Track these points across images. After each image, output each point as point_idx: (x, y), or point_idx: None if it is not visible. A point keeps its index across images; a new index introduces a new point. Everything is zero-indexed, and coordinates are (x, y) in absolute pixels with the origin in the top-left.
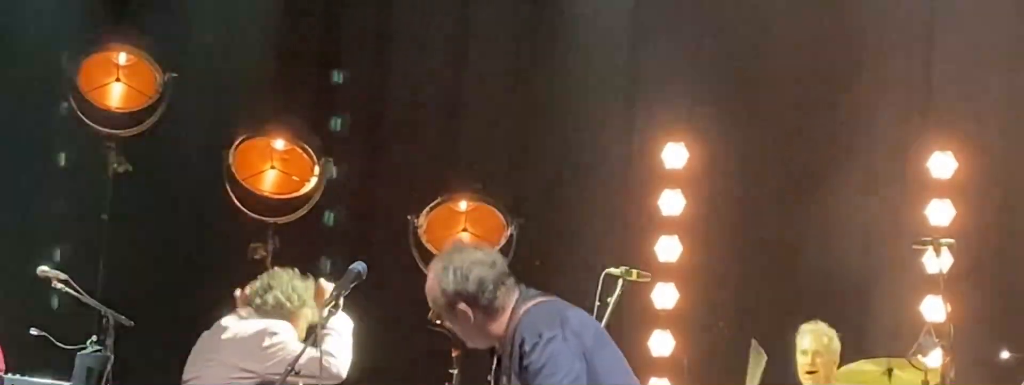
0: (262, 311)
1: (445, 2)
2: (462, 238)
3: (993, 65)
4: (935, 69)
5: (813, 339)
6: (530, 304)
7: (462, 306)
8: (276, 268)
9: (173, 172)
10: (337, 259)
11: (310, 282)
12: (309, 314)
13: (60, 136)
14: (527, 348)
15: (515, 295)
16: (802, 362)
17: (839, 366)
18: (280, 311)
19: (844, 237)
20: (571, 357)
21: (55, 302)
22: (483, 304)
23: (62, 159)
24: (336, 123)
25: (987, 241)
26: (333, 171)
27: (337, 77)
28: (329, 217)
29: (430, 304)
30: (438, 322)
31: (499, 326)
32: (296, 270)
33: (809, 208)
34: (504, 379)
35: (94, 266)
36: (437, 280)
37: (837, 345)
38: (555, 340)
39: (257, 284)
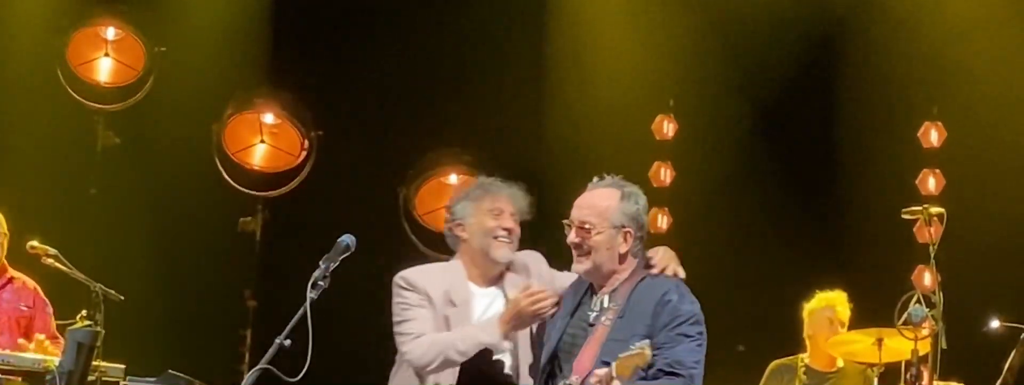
0: None
1: None
2: None
3: (982, 34)
4: (924, 39)
5: (818, 308)
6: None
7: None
8: None
9: (162, 146)
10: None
11: None
12: None
13: (49, 110)
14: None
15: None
16: (807, 332)
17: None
18: None
19: (835, 207)
20: None
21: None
22: (639, 236)
23: (51, 134)
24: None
25: (977, 210)
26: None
27: None
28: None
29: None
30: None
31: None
32: None
33: (798, 180)
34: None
35: (83, 240)
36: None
37: (845, 313)
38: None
39: None
